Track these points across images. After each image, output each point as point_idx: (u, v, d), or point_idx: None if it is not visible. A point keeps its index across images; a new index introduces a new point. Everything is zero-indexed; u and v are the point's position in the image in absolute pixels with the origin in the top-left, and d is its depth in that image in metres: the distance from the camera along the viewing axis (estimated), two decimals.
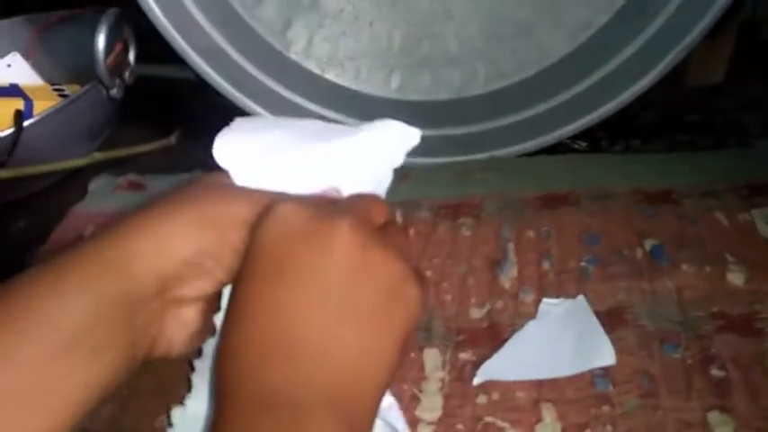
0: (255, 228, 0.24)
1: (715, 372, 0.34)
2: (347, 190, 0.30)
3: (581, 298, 0.39)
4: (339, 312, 0.23)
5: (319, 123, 0.33)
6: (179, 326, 0.26)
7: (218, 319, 0.28)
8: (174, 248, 0.24)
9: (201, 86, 0.54)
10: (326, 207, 0.25)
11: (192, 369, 0.30)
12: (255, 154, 0.30)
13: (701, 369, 0.35)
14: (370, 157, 0.31)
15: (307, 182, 0.30)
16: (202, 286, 0.25)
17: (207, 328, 0.27)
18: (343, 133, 0.31)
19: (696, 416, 0.33)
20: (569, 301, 0.39)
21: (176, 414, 0.31)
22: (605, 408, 0.34)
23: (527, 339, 0.38)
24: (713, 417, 0.33)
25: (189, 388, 0.30)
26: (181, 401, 0.31)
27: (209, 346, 0.29)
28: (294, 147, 0.31)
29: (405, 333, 0.24)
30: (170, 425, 0.31)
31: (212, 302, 0.27)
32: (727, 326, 0.37)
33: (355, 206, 0.26)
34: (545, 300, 0.40)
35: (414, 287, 0.24)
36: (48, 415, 0.21)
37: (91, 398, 0.22)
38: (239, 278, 0.24)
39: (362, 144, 0.31)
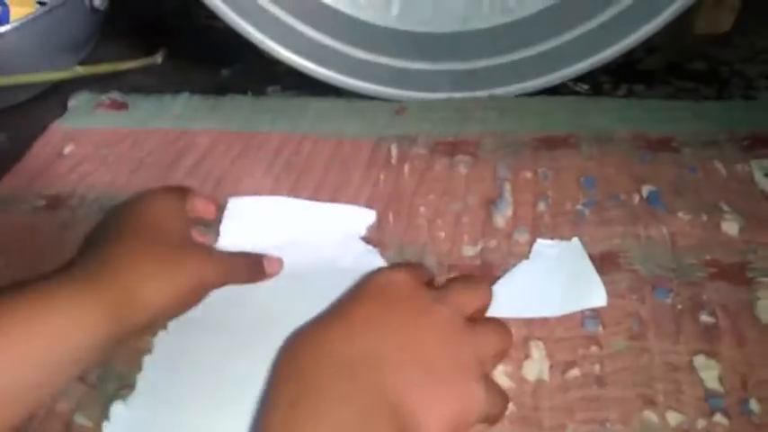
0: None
1: (704, 318, 0.35)
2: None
3: (576, 240, 0.39)
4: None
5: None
6: None
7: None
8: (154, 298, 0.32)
9: (191, 3, 0.51)
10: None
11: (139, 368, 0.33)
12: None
13: (691, 315, 0.35)
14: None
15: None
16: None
17: None
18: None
19: (682, 359, 0.33)
20: (564, 243, 0.39)
21: (115, 409, 0.31)
22: (593, 348, 0.34)
23: (519, 278, 0.37)
24: (699, 360, 0.33)
25: (133, 385, 0.32)
26: (121, 395, 0.32)
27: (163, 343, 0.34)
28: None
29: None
30: (106, 418, 0.31)
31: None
32: (718, 274, 0.37)
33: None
34: (539, 240, 0.39)
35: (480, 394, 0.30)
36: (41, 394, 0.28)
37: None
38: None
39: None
